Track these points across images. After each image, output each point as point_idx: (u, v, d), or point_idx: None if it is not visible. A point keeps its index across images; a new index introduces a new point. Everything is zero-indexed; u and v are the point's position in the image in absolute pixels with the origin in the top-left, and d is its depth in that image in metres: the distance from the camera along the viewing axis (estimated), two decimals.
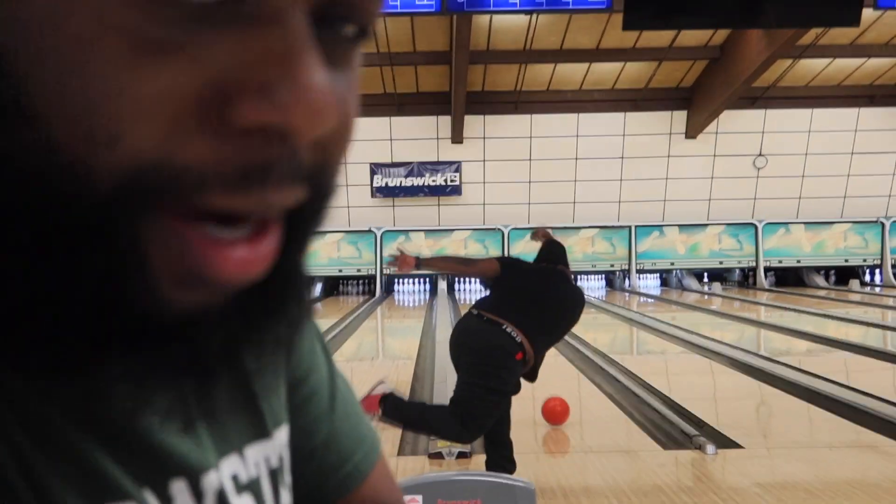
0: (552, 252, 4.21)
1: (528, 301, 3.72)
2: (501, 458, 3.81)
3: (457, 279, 17.39)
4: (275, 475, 0.47)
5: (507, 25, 13.89)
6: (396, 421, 3.80)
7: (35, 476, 0.32)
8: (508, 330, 3.60)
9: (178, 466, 0.39)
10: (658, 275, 17.87)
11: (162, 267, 0.30)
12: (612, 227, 17.38)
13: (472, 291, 17.29)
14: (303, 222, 0.36)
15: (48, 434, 0.33)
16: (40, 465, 0.32)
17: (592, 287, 17.16)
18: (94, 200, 0.28)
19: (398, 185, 17.50)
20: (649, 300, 15.73)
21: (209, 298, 0.32)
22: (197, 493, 0.39)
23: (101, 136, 0.28)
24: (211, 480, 0.40)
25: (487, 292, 4.07)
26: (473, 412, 3.62)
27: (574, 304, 3.91)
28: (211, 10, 0.29)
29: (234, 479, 0.43)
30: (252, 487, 0.44)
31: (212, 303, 0.32)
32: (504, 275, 3.88)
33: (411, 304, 15.62)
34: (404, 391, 6.33)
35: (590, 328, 9.45)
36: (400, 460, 4.41)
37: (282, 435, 0.49)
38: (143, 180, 0.28)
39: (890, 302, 14.27)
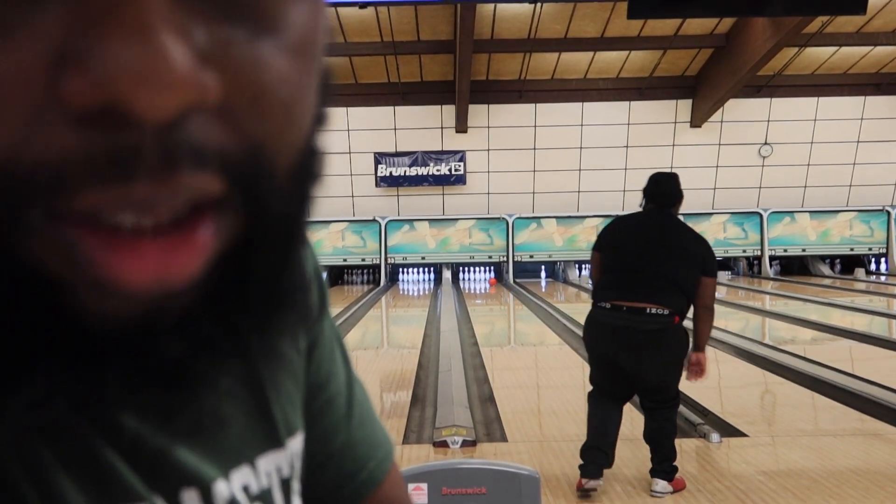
0: (656, 189, 3.77)
1: (624, 267, 3.65)
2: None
3: (461, 269, 17.39)
4: (286, 484, 0.46)
5: (512, 14, 13.84)
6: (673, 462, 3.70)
7: (42, 474, 0.31)
8: (655, 311, 3.55)
9: (189, 476, 0.38)
10: None
11: (70, 274, 0.27)
12: (617, 216, 17.29)
13: (477, 281, 17.29)
14: (259, 214, 0.30)
15: (59, 432, 0.32)
16: (49, 464, 0.32)
17: None
18: None
19: (402, 174, 17.48)
20: None
21: (160, 302, 0.28)
22: (208, 503, 0.39)
23: None
24: (222, 491, 0.40)
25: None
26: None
27: (659, 240, 3.63)
28: None
29: (246, 490, 0.42)
30: (263, 498, 0.43)
31: (167, 307, 0.29)
32: (603, 260, 3.77)
33: (416, 294, 15.64)
34: (409, 381, 6.35)
35: None
36: (405, 448, 4.43)
37: (295, 444, 0.47)
38: None
39: (895, 290, 14.24)
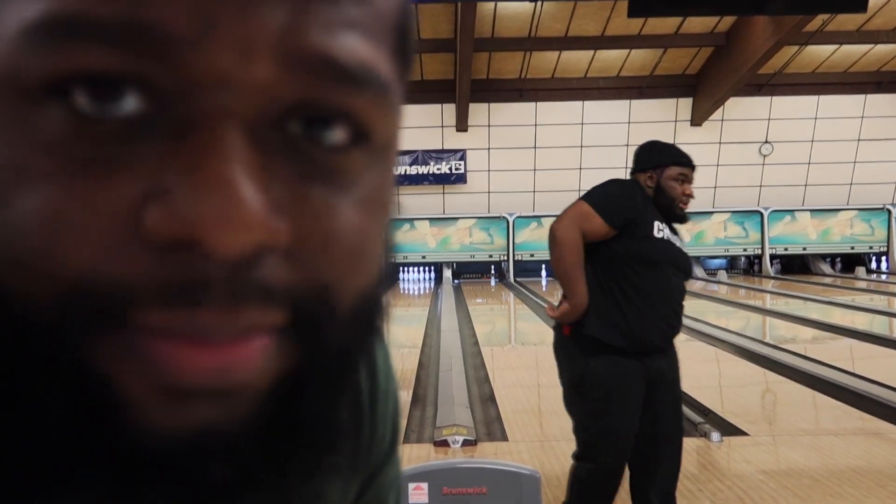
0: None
1: None
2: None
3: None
4: None
5: (512, 12, 13.84)
6: None
7: None
8: None
9: None
10: None
11: (131, 383, 0.28)
12: None
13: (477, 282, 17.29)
14: (316, 348, 0.32)
15: None
16: None
17: None
18: (30, 325, 0.28)
19: (403, 173, 17.47)
20: None
21: (206, 420, 0.30)
22: None
23: (31, 259, 0.27)
24: None
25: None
26: None
27: None
28: (138, 124, 0.28)
29: None
30: None
31: (217, 430, 0.30)
32: None
33: (416, 293, 15.64)
34: (409, 380, 6.36)
35: None
36: (406, 448, 4.43)
37: None
38: (77, 297, 0.27)
39: (895, 289, 14.25)
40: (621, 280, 2.80)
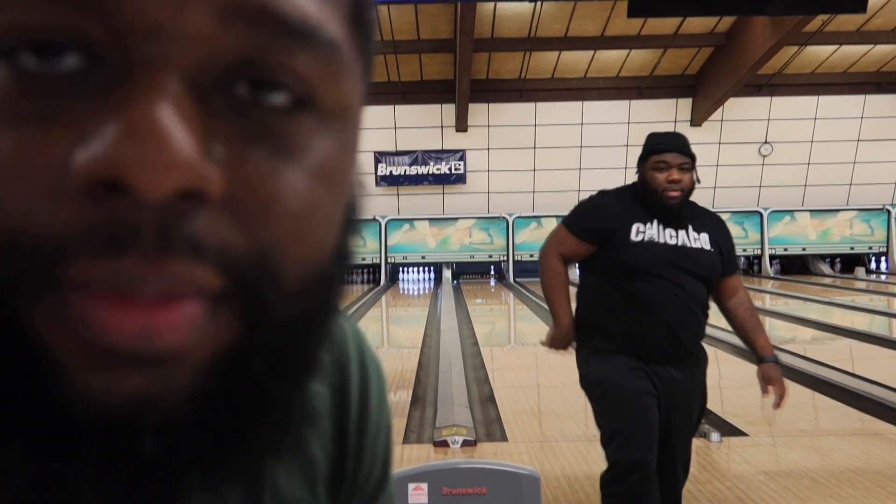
0: None
1: None
2: None
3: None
4: None
5: (512, 13, 13.84)
6: None
7: None
8: None
9: None
10: None
11: (62, 345, 0.28)
12: None
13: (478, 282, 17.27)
14: (260, 319, 0.31)
15: None
16: None
17: None
18: None
19: (402, 173, 17.48)
20: None
21: (140, 390, 0.29)
22: None
23: None
24: None
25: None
26: None
27: None
28: (76, 79, 0.28)
29: None
30: None
31: (153, 404, 0.29)
32: None
33: (416, 293, 15.64)
34: (409, 380, 6.35)
35: None
36: (405, 448, 4.43)
37: None
38: (9, 253, 0.27)
39: (895, 289, 14.24)
40: (611, 291, 2.71)
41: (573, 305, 2.87)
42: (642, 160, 2.73)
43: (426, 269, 17.47)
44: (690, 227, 2.71)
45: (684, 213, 2.72)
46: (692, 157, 2.72)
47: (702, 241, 2.71)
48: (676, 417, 2.75)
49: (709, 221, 2.79)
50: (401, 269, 17.43)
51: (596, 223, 2.70)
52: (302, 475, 0.46)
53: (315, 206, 0.32)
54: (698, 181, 2.76)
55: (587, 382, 2.78)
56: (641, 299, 2.64)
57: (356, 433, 0.51)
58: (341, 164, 0.34)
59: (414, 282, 17.33)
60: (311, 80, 0.31)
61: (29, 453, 0.28)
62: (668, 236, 2.67)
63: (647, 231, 2.65)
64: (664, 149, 2.67)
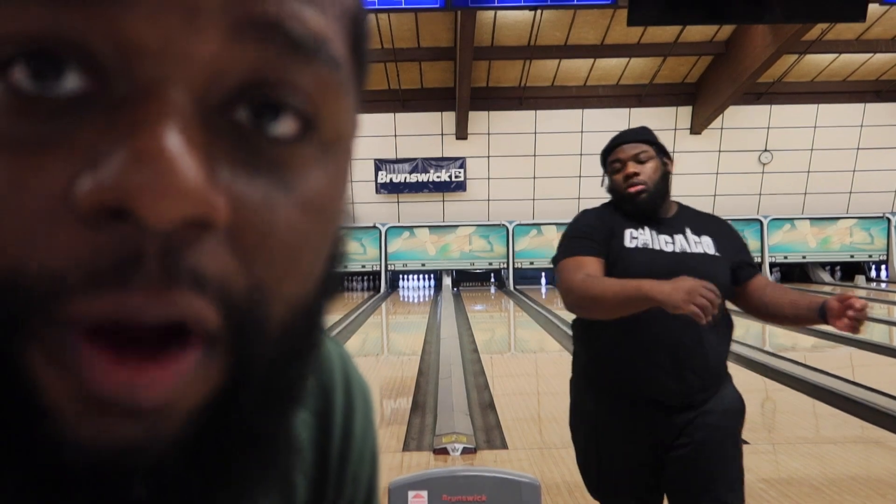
0: None
1: None
2: None
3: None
4: None
5: (512, 21, 13.87)
6: None
7: None
8: None
9: None
10: None
11: (56, 387, 0.27)
12: None
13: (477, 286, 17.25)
14: (246, 360, 0.31)
15: None
16: None
17: None
18: None
19: (403, 181, 17.49)
20: None
21: (130, 438, 0.28)
22: None
23: None
24: None
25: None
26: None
27: None
28: (79, 102, 0.27)
29: None
30: None
31: (143, 448, 0.28)
32: None
33: (416, 300, 15.63)
34: (409, 387, 6.35)
35: None
36: (405, 455, 4.42)
37: None
38: (8, 288, 0.26)
39: (895, 298, 14.24)
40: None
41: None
42: (604, 167, 2.39)
43: (426, 276, 17.47)
44: (688, 231, 2.32)
45: (679, 217, 2.36)
46: (651, 143, 2.32)
47: (703, 244, 2.30)
48: (688, 472, 2.27)
49: (709, 224, 2.39)
50: (401, 276, 17.42)
51: (592, 236, 2.28)
52: (281, 501, 0.46)
53: (306, 241, 0.32)
54: (667, 168, 2.33)
55: (571, 413, 2.45)
56: (637, 322, 2.15)
57: (338, 460, 0.50)
58: (333, 196, 0.34)
59: (414, 289, 17.32)
60: (315, 99, 0.31)
61: (19, 495, 0.28)
62: (664, 243, 2.27)
63: (640, 237, 2.28)
64: (614, 144, 2.35)
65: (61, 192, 0.26)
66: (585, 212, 2.43)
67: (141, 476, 0.29)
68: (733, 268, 2.34)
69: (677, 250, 2.27)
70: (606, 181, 2.37)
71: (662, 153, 2.35)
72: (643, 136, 2.35)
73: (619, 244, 2.26)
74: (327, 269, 0.35)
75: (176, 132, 0.27)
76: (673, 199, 2.38)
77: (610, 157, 2.35)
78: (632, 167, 2.28)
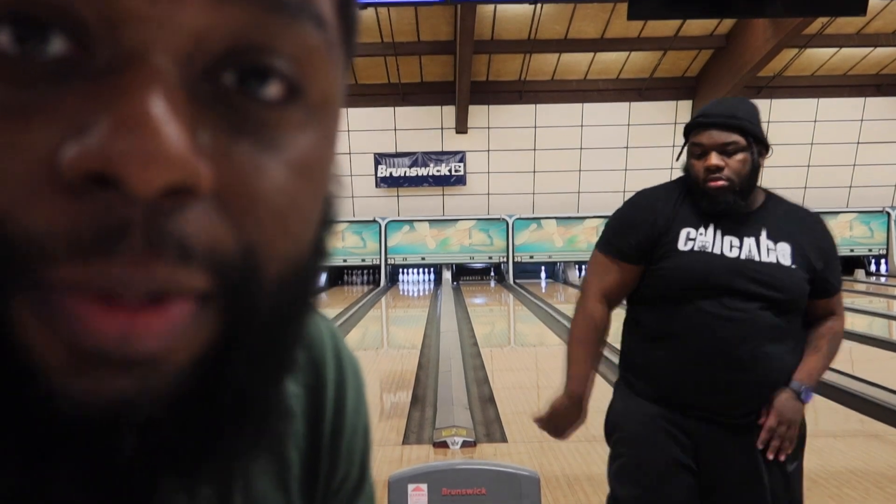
0: None
1: None
2: None
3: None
4: None
5: (512, 15, 13.85)
6: None
7: None
8: None
9: None
10: None
11: (44, 345, 0.27)
12: None
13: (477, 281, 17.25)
14: (243, 316, 0.31)
15: None
16: None
17: None
18: None
19: (402, 174, 17.48)
20: None
21: (121, 393, 0.28)
22: None
23: None
24: None
25: None
26: None
27: None
28: (63, 66, 0.27)
29: None
30: None
31: (135, 403, 0.28)
32: None
33: (416, 294, 15.64)
34: (409, 381, 6.36)
35: None
36: (405, 449, 4.43)
37: None
38: None
39: (895, 292, 14.24)
40: (647, 319, 2.08)
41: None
42: (684, 147, 2.09)
43: (426, 270, 17.47)
44: (764, 234, 2.01)
45: (760, 214, 2.05)
46: (745, 132, 1.98)
47: (778, 252, 1.99)
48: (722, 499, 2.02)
49: (795, 226, 2.09)
50: (401, 270, 17.42)
51: (633, 237, 2.03)
52: (274, 475, 0.46)
53: (297, 202, 0.32)
54: (758, 161, 2.04)
55: (606, 424, 2.20)
56: (684, 331, 1.96)
57: (331, 434, 0.50)
58: (322, 159, 0.34)
59: (414, 283, 17.32)
60: (302, 61, 0.31)
61: (10, 453, 0.28)
62: (729, 246, 1.97)
63: (698, 238, 1.98)
64: (700, 125, 2.01)
65: (46, 158, 0.26)
66: (644, 193, 2.13)
67: (132, 433, 0.29)
68: (811, 279, 2.03)
69: (742, 257, 1.97)
70: (684, 157, 2.06)
71: (757, 141, 2.02)
72: (736, 121, 1.98)
73: (672, 245, 1.99)
74: (319, 233, 0.35)
75: (161, 99, 0.27)
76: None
77: (692, 136, 2.03)
78: (715, 158, 1.96)
